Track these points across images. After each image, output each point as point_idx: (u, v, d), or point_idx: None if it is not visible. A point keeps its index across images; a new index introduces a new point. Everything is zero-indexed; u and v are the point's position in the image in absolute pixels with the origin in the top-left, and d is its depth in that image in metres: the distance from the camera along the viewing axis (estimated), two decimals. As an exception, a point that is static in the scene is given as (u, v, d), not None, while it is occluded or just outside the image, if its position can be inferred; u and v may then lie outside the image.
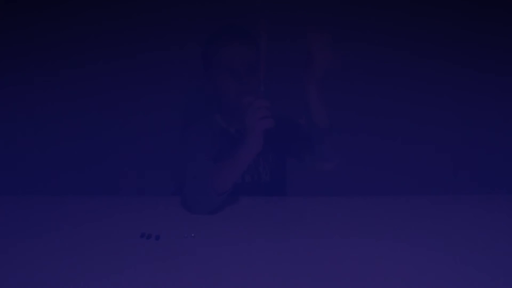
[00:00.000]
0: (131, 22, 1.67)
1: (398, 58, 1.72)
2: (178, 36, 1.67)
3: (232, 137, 1.26)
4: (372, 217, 1.05)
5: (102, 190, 1.65)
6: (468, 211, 1.10)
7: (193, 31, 1.66)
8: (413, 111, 1.76)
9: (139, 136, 1.73)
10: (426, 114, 1.77)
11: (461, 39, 1.72)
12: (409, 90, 1.74)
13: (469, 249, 0.88)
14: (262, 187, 1.26)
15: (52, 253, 0.84)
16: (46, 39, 1.67)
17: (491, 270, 0.80)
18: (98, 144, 1.74)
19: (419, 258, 0.84)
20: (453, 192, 1.24)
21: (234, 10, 1.62)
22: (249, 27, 1.22)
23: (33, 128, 1.73)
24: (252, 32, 1.21)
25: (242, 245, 0.89)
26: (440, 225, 1.00)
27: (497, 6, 1.67)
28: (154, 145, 1.72)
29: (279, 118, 1.28)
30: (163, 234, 0.92)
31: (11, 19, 1.65)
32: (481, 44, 1.73)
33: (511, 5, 1.68)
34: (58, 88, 1.71)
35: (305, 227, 0.99)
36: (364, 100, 1.74)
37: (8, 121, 1.71)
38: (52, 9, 1.64)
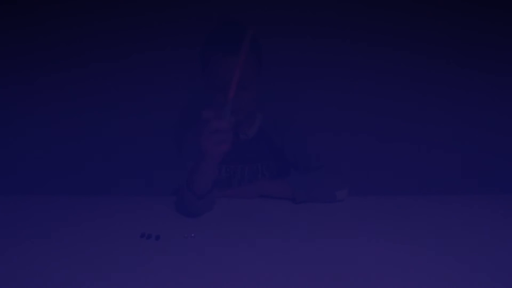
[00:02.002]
0: (135, 21, 1.66)
1: (398, 58, 1.72)
2: (179, 35, 1.67)
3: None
4: (372, 217, 1.05)
5: (102, 190, 1.65)
6: (469, 211, 1.10)
7: (196, 31, 1.65)
8: (413, 111, 1.76)
9: (139, 136, 1.73)
10: (426, 114, 1.77)
11: (462, 39, 1.72)
12: (408, 90, 1.74)
13: (469, 249, 0.88)
14: None
15: (52, 253, 0.84)
16: (46, 39, 1.67)
17: (491, 270, 0.80)
18: (98, 144, 1.74)
19: (419, 258, 0.84)
20: (453, 193, 1.24)
21: (235, 10, 1.61)
22: (248, 29, 1.17)
23: (33, 128, 1.73)
24: (248, 40, 1.16)
25: (242, 245, 0.89)
26: (440, 225, 1.00)
27: (498, 7, 1.68)
28: (154, 145, 1.72)
29: (278, 124, 1.27)
30: (163, 234, 0.92)
31: (11, 19, 1.65)
32: (483, 44, 1.73)
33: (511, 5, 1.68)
34: (58, 88, 1.71)
35: (306, 227, 0.99)
36: (365, 100, 1.74)
37: (8, 121, 1.71)
38: (53, 9, 1.64)
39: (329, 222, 1.03)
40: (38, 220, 1.00)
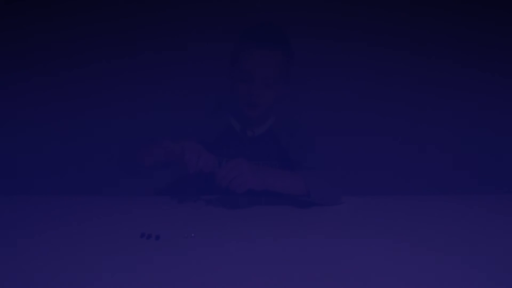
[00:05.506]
0: (135, 21, 1.66)
1: (398, 58, 1.72)
2: (180, 36, 1.67)
3: (237, 135, 1.25)
4: (372, 217, 1.05)
5: (102, 190, 1.64)
6: (469, 211, 1.10)
7: (196, 31, 1.66)
8: (412, 111, 1.76)
9: (140, 136, 1.73)
10: (426, 114, 1.77)
11: (462, 39, 1.72)
12: (408, 90, 1.74)
13: (469, 249, 0.88)
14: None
15: (52, 253, 0.84)
16: (46, 39, 1.66)
17: (491, 270, 0.80)
18: (98, 144, 1.74)
19: (419, 258, 0.84)
20: (453, 192, 1.24)
21: (237, 10, 1.61)
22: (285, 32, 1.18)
23: (33, 128, 1.73)
24: (284, 41, 1.16)
25: (242, 245, 0.89)
26: (440, 225, 1.00)
27: (498, 8, 1.68)
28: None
29: (282, 123, 1.27)
30: (163, 234, 0.92)
31: (11, 19, 1.65)
32: (483, 44, 1.73)
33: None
34: (58, 88, 1.71)
35: (306, 227, 0.99)
36: (364, 100, 1.74)
37: (8, 121, 1.71)
38: (53, 9, 1.64)
39: (329, 221, 1.03)
40: (38, 220, 1.00)
